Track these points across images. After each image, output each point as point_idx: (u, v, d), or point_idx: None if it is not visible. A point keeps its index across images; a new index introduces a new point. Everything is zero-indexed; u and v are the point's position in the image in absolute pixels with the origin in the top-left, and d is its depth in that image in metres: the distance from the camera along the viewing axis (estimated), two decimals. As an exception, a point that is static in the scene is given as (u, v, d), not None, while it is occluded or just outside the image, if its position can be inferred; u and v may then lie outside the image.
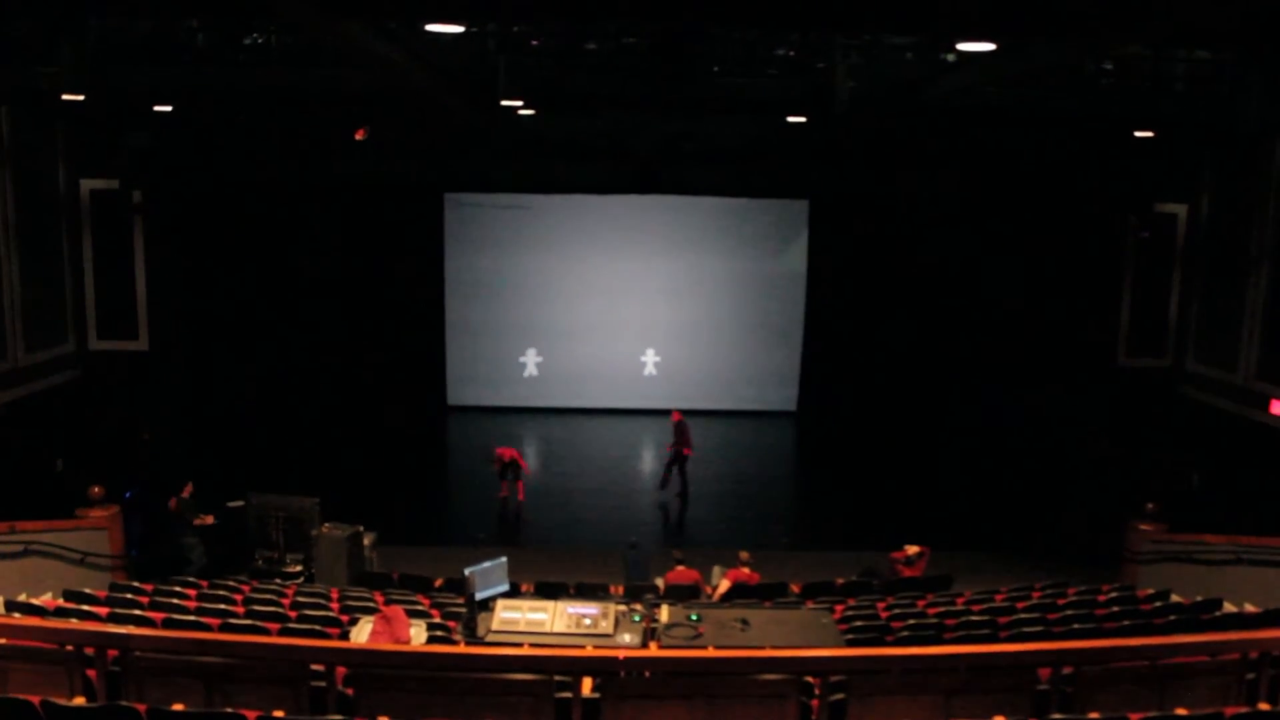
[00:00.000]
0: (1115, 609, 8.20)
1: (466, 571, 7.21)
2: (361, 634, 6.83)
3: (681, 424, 14.24)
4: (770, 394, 18.74)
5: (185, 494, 10.83)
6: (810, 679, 4.83)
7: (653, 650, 6.28)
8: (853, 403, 17.55)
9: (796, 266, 18.51)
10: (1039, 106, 11.66)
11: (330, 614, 7.90)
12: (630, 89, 11.28)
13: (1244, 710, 4.68)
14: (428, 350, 18.22)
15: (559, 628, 6.47)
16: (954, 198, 16.25)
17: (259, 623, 7.27)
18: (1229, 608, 8.61)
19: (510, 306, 18.47)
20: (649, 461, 16.22)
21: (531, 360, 18.63)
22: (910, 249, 16.98)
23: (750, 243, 18.48)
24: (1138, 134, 12.68)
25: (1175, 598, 9.07)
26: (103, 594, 8.38)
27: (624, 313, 18.50)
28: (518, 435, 16.09)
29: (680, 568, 9.41)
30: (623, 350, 18.62)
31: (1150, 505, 11.26)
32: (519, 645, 6.19)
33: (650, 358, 18.72)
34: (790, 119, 12.14)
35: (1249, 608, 8.91)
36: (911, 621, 7.71)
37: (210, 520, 10.81)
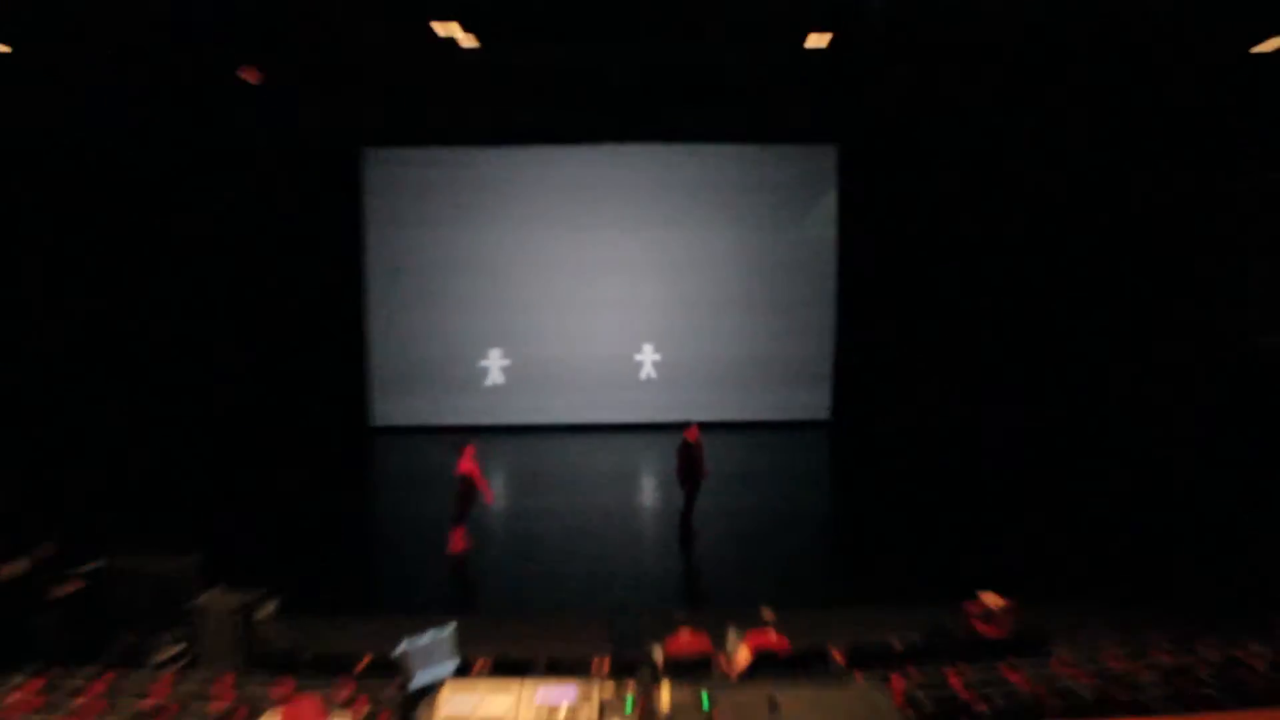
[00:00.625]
0: (1276, 676, 8.03)
1: (400, 648, 7.15)
2: (261, 737, 6.80)
3: (697, 443, 14.03)
4: (796, 398, 18.75)
5: (41, 557, 10.45)
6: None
7: (651, 750, 6.31)
8: (903, 406, 17.55)
9: (824, 232, 18.50)
10: (1135, 14, 11.47)
11: (219, 712, 7.77)
12: (605, 8, 11.34)
13: None
14: (344, 356, 18.08)
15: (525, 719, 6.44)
16: (1030, 136, 16.05)
17: (123, 727, 7.11)
18: None
19: (457, 296, 18.33)
20: (646, 492, 16.03)
21: (495, 364, 18.49)
22: (974, 205, 16.82)
23: (765, 204, 18.44)
24: (1259, 49, 12.43)
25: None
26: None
27: (611, 300, 18.42)
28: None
29: (685, 632, 9.19)
30: (612, 348, 18.50)
31: (1311, 529, 11.23)
32: (472, 746, 6.10)
33: (648, 356, 18.65)
34: (810, 41, 12.07)
35: None
36: (999, 701, 7.56)
37: (71, 589, 10.44)
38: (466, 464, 13.27)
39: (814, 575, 13.22)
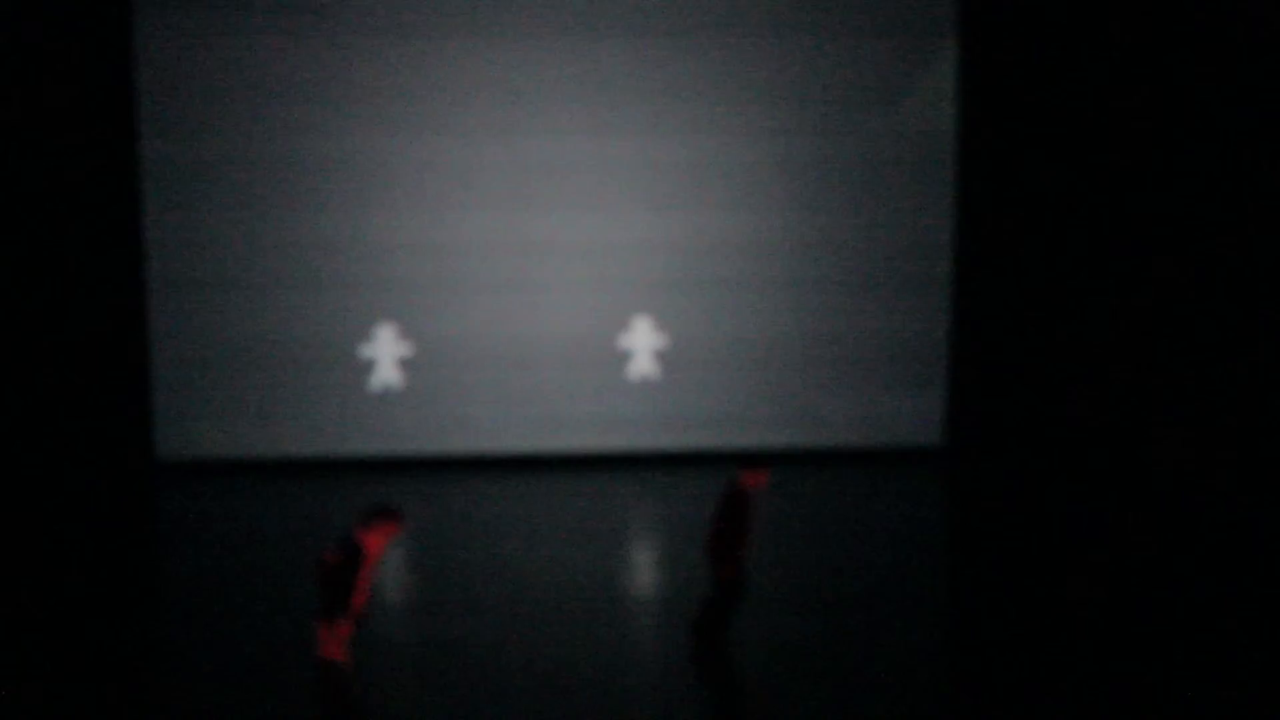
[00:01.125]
0: None
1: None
2: None
3: (744, 495, 12.61)
4: (890, 412, 17.53)
5: None
6: None
7: None
8: (1066, 424, 16.69)
9: (931, 147, 17.04)
10: None
11: None
12: None
13: None
14: (108, 347, 16.53)
15: None
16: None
17: None
18: None
19: (312, 235, 16.65)
20: (639, 573, 15.07)
21: (386, 352, 16.91)
22: (1173, 122, 15.92)
23: (843, 115, 17.06)
24: None
25: None
26: None
27: (579, 247, 16.93)
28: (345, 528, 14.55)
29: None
30: (582, 327, 17.20)
31: None
32: None
33: (642, 340, 17.22)
34: None
35: None
36: None
37: None
38: (374, 541, 11.56)
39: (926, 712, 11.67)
